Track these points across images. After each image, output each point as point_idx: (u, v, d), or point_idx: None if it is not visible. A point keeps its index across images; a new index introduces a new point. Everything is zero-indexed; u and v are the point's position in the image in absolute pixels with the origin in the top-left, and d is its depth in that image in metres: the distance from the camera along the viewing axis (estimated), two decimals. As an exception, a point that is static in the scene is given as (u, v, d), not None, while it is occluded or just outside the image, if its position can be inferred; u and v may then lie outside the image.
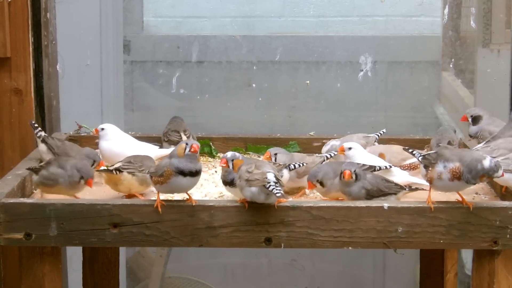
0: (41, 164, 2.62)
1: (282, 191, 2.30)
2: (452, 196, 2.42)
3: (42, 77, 3.36)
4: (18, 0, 3.27)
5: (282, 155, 2.80)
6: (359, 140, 3.04)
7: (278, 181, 2.33)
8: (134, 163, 2.67)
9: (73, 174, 2.55)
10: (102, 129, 2.99)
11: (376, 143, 3.08)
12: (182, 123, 3.20)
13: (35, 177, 2.58)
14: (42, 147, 2.86)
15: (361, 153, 2.81)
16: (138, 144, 3.03)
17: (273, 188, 2.29)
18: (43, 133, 2.87)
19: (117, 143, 2.97)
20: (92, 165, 2.73)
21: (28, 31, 3.30)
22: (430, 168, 2.40)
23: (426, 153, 2.49)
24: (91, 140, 3.21)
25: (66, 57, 3.66)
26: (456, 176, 2.34)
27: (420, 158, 2.46)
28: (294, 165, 2.70)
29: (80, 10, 3.88)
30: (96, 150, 2.89)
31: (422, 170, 2.46)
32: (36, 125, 2.92)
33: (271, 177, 2.32)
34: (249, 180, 2.33)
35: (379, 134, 3.11)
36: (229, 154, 2.50)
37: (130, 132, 3.33)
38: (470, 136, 3.02)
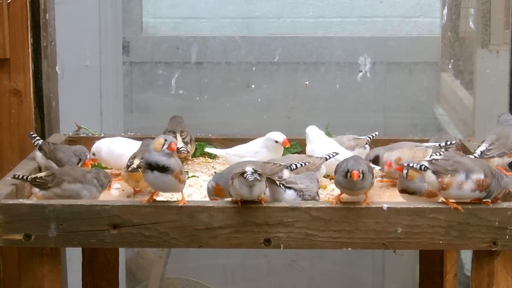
0: (42, 177, 2.55)
1: (257, 177, 2.28)
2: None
3: (41, 78, 3.36)
4: (17, 1, 3.27)
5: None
6: (348, 142, 3.04)
7: (255, 171, 2.31)
8: None
9: (104, 184, 2.56)
10: (94, 154, 3.00)
11: (367, 146, 3.07)
12: (181, 123, 3.21)
13: (37, 191, 2.53)
14: (37, 154, 2.87)
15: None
16: (133, 141, 3.03)
17: (248, 176, 2.28)
18: (40, 141, 2.87)
19: (114, 146, 2.98)
20: (78, 163, 2.77)
21: (27, 32, 3.30)
22: (449, 176, 2.37)
23: (434, 158, 2.42)
24: (91, 141, 3.21)
25: (65, 58, 3.66)
26: (482, 188, 2.34)
27: (426, 164, 2.38)
28: (296, 165, 2.70)
29: (79, 11, 3.88)
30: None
31: (429, 176, 2.38)
32: (34, 135, 2.91)
33: (248, 168, 2.32)
34: (232, 178, 2.34)
35: (371, 137, 3.10)
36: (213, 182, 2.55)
37: (129, 133, 3.33)
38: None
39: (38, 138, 2.89)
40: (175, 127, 3.16)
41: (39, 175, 2.56)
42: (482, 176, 2.33)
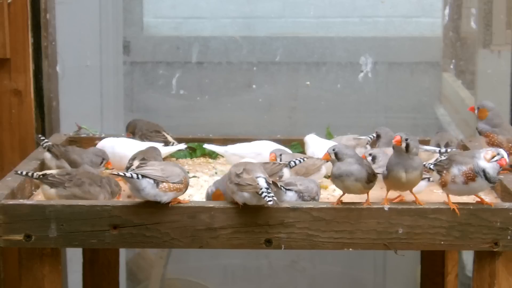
0: (55, 175, 2.53)
1: (274, 197, 2.29)
2: (455, 197, 2.41)
3: (42, 78, 3.36)
4: (18, 1, 3.27)
5: (287, 156, 2.80)
6: (348, 142, 3.04)
7: (269, 185, 2.32)
8: (148, 160, 2.72)
9: (115, 191, 2.56)
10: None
11: (368, 146, 3.07)
12: (155, 123, 3.21)
13: (48, 188, 2.51)
14: (46, 155, 2.84)
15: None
16: (138, 143, 3.03)
17: (265, 196, 2.28)
18: (49, 143, 2.85)
19: (117, 147, 2.97)
20: (101, 163, 2.77)
21: (28, 32, 3.30)
22: (444, 172, 2.39)
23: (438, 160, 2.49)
24: (91, 141, 3.21)
25: (66, 58, 3.66)
26: (470, 178, 2.34)
27: (432, 166, 2.46)
28: (295, 162, 2.70)
29: (80, 10, 3.88)
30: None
31: (435, 176, 2.45)
32: (42, 137, 2.89)
33: (262, 182, 2.32)
34: (240, 184, 2.32)
35: (372, 137, 3.10)
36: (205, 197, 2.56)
37: (130, 133, 3.33)
38: None
39: (46, 140, 2.87)
40: (156, 127, 3.16)
41: (49, 172, 2.55)
42: (465, 168, 2.35)
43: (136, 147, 2.94)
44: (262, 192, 2.29)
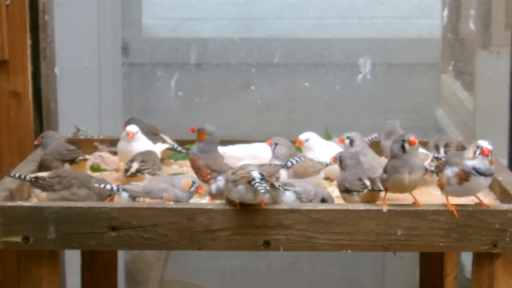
0: (45, 178, 2.50)
1: (267, 187, 2.29)
2: (454, 199, 2.41)
3: (40, 79, 3.36)
4: (16, 3, 3.26)
5: (282, 147, 2.78)
6: None
7: (263, 177, 2.32)
8: (147, 162, 2.74)
9: (104, 192, 2.55)
10: (137, 132, 2.97)
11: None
12: (155, 126, 3.20)
13: (40, 192, 2.50)
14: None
15: (319, 142, 2.93)
16: (151, 143, 3.03)
17: (258, 185, 2.28)
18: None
19: (139, 144, 2.97)
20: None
21: (26, 33, 3.30)
22: (440, 174, 2.40)
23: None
24: (89, 143, 3.21)
25: (64, 59, 3.66)
26: (463, 178, 2.34)
27: (434, 168, 2.47)
28: (292, 162, 2.69)
29: (78, 12, 3.88)
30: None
31: (434, 177, 2.46)
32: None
33: (255, 174, 2.32)
34: (234, 180, 2.32)
35: (371, 139, 3.09)
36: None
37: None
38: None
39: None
40: (154, 129, 3.16)
41: (40, 175, 2.53)
42: (456, 169, 2.35)
43: (148, 146, 2.94)
44: (255, 183, 2.28)
